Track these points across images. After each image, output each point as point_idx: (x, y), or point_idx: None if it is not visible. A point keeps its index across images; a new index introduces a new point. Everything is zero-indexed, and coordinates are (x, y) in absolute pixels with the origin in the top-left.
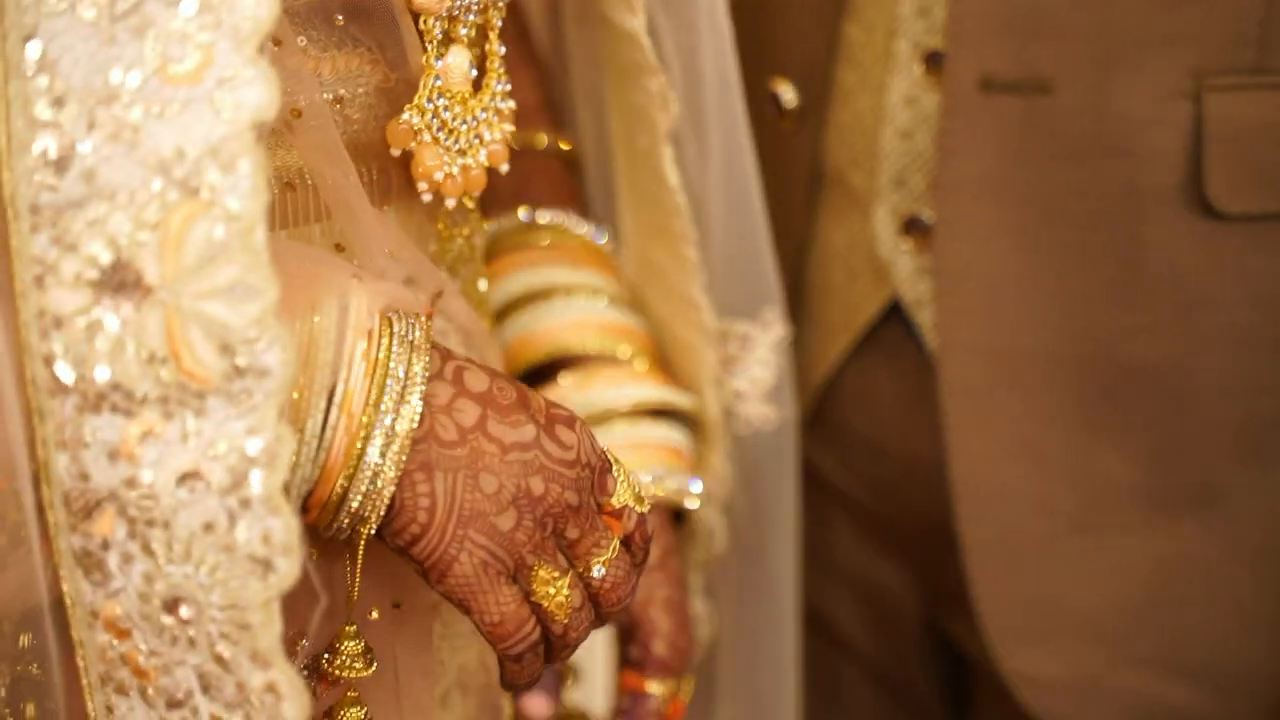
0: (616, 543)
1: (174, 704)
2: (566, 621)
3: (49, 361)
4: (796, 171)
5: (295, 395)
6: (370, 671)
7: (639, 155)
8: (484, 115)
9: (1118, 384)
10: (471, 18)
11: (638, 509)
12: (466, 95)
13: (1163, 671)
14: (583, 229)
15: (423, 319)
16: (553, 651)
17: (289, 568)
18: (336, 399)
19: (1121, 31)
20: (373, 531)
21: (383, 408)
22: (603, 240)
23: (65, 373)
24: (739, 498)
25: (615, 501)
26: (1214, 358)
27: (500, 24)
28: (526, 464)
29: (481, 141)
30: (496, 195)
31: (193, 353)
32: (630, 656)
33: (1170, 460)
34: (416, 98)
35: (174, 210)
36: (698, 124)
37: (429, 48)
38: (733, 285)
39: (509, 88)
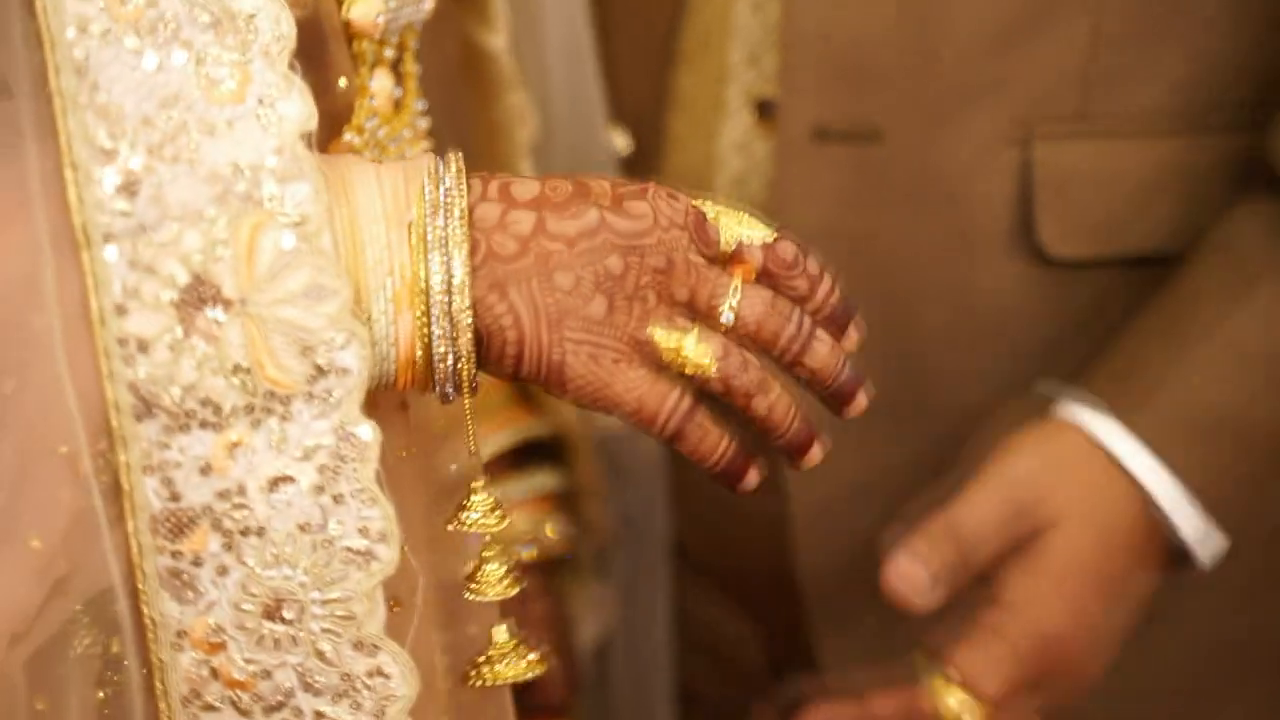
0: (737, 282)
1: (272, 708)
2: (718, 373)
3: (135, 387)
4: None
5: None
6: (504, 524)
7: (499, 169)
8: (406, 134)
9: (952, 428)
10: (395, 39)
11: (758, 239)
12: (390, 115)
13: None
14: None
15: (452, 156)
16: (741, 411)
17: (389, 554)
18: (392, 286)
19: (948, 80)
20: (474, 372)
21: (431, 264)
22: None
23: (153, 394)
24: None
25: (725, 247)
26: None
27: (415, 45)
28: (597, 248)
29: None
30: None
31: (275, 359)
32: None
33: None
34: (354, 118)
35: (241, 223)
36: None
37: (363, 69)
38: None
39: (426, 106)
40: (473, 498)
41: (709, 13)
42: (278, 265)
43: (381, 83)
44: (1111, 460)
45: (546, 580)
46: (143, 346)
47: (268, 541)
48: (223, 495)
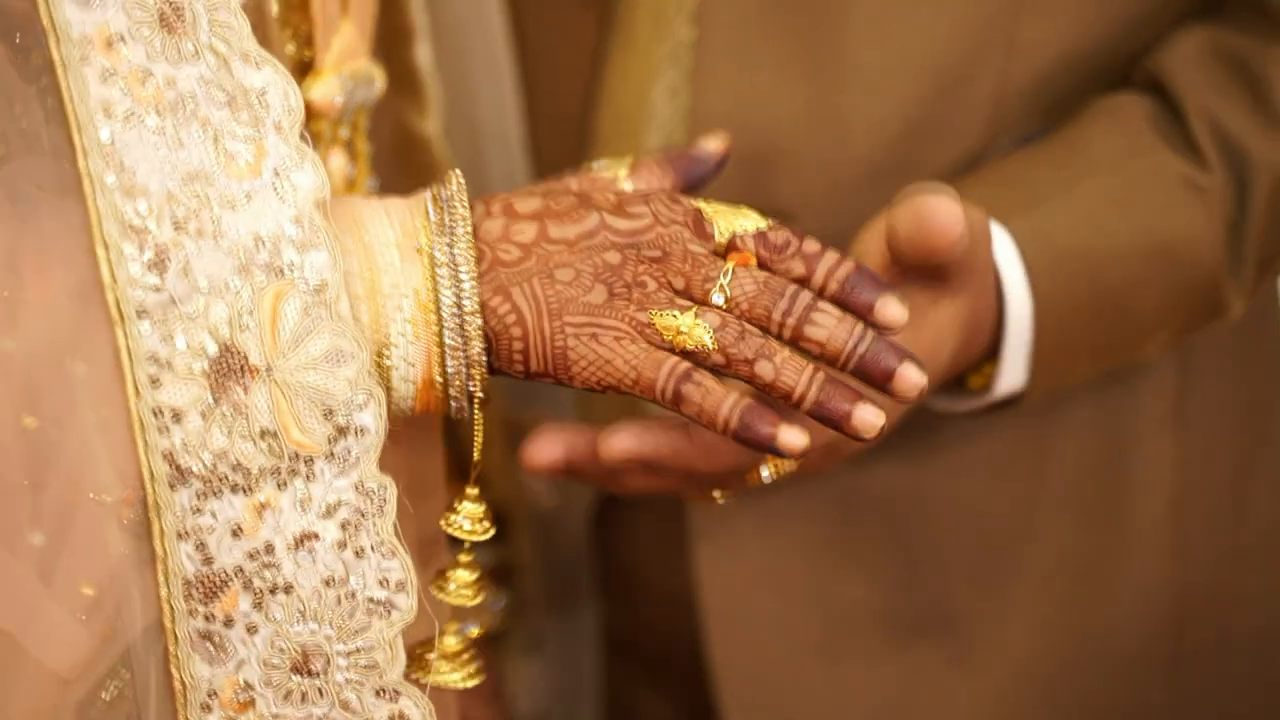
0: (730, 266)
1: None
2: (716, 344)
3: (170, 455)
4: None
5: (370, 324)
6: (487, 535)
7: None
8: None
9: (858, 510)
10: (349, 119)
11: (751, 229)
12: (344, 192)
13: None
14: None
15: (452, 175)
16: (750, 382)
17: (408, 604)
18: (409, 307)
19: (859, 163)
20: (486, 377)
21: (441, 282)
22: None
23: (187, 462)
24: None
25: (720, 239)
26: (946, 484)
27: (366, 125)
28: (596, 246)
29: None
30: None
31: (300, 423)
32: None
33: (909, 585)
34: None
35: (265, 292)
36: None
37: (319, 148)
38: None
39: (378, 184)
40: (464, 504)
41: (625, 97)
42: (300, 332)
43: (337, 162)
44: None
45: (485, 657)
46: (176, 416)
47: (295, 598)
48: (252, 555)
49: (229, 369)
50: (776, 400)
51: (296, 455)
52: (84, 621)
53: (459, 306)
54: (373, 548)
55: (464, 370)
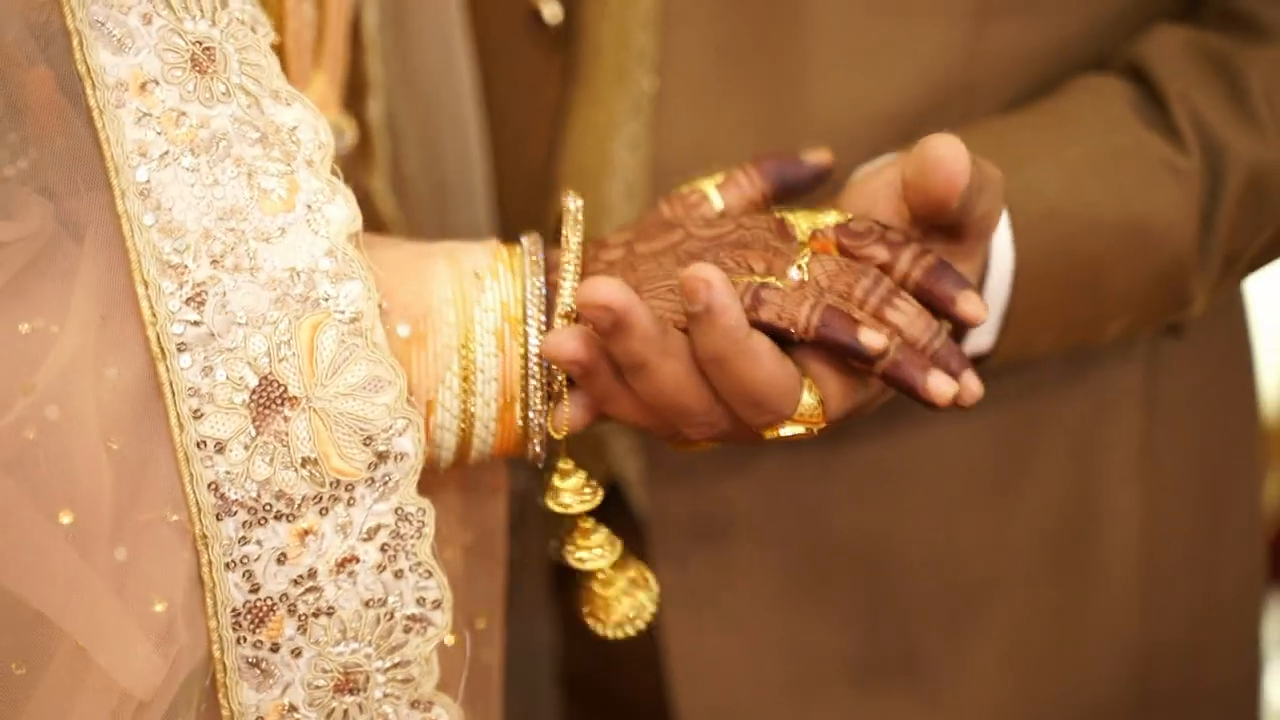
0: (809, 250)
1: None
2: (778, 313)
3: (215, 486)
4: None
5: (462, 381)
6: (599, 498)
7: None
8: None
9: (823, 554)
10: None
11: (832, 222)
12: None
13: None
14: None
15: (524, 245)
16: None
17: (443, 620)
18: (486, 383)
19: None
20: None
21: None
22: None
23: (233, 492)
24: None
25: (802, 238)
26: (913, 528)
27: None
28: (679, 249)
29: None
30: None
31: (340, 450)
32: None
33: (876, 629)
34: None
35: (302, 324)
36: None
37: None
38: None
39: None
40: (564, 480)
41: (587, 148)
42: (337, 361)
43: None
44: None
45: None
46: (220, 448)
47: (336, 619)
48: (297, 581)
49: (269, 399)
50: (851, 358)
51: (338, 482)
52: (155, 642)
53: (545, 314)
54: (411, 569)
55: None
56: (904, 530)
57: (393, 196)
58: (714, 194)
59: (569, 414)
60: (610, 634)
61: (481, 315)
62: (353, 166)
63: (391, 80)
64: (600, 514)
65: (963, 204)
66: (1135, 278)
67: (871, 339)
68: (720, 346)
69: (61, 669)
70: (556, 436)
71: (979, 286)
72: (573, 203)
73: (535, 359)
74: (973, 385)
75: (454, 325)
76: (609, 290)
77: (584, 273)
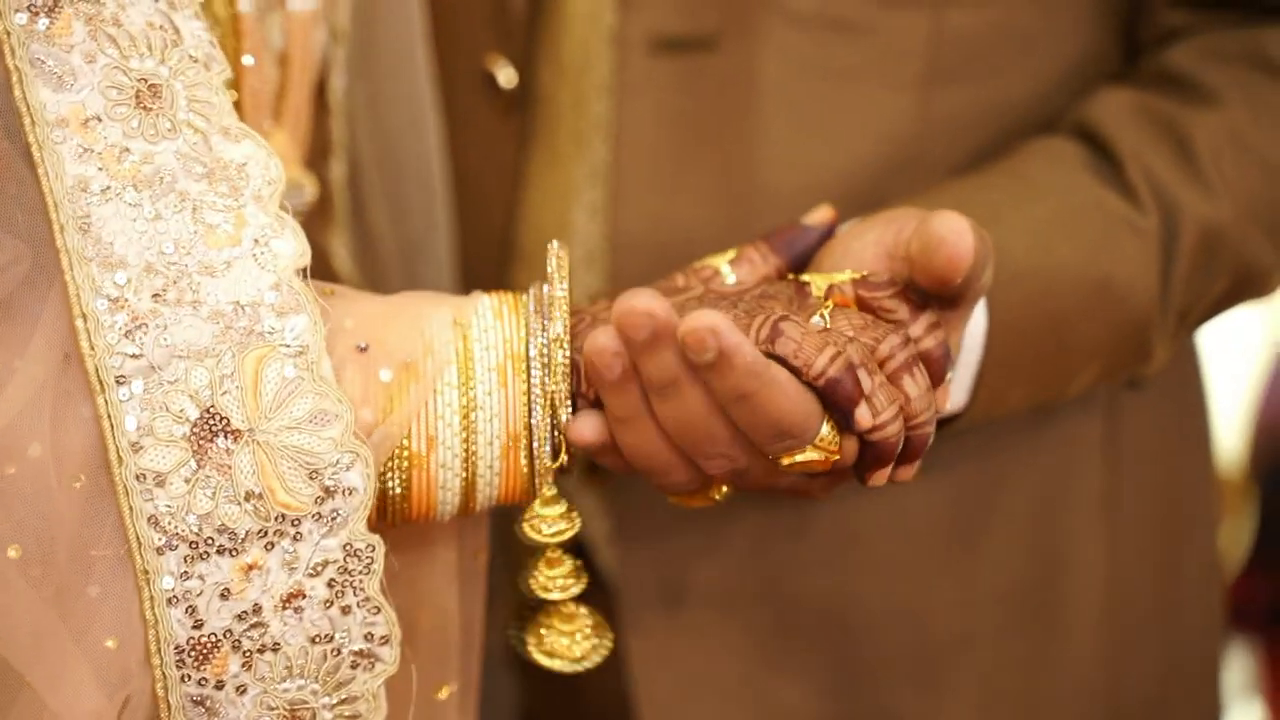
0: (831, 303)
1: None
2: (795, 351)
3: (155, 520)
4: None
5: (463, 430)
6: (576, 527)
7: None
8: None
9: (793, 617)
10: None
11: (849, 279)
12: None
13: None
14: None
15: (529, 295)
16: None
17: (391, 656)
18: (488, 420)
19: None
20: (570, 397)
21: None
22: None
23: (173, 526)
24: None
25: (818, 293)
26: (881, 588)
27: None
28: (702, 300)
29: None
30: None
31: (284, 484)
32: None
33: (847, 689)
34: None
35: (246, 357)
36: None
37: None
38: None
39: None
40: (542, 509)
41: (546, 214)
42: (283, 394)
43: None
44: None
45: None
46: (159, 481)
47: (282, 655)
48: (241, 617)
49: (211, 432)
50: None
51: (283, 516)
52: (107, 685)
53: (546, 353)
54: (359, 604)
55: (550, 398)
56: (872, 590)
57: (351, 258)
58: (726, 269)
59: (580, 429)
60: (567, 670)
61: (482, 353)
62: (311, 224)
63: (360, 139)
64: None
65: (966, 280)
66: (1101, 333)
67: (863, 415)
68: (744, 384)
69: (24, 713)
70: (563, 460)
71: None
72: (559, 250)
73: (539, 394)
74: (909, 475)
75: (453, 362)
76: (648, 299)
77: (595, 320)
